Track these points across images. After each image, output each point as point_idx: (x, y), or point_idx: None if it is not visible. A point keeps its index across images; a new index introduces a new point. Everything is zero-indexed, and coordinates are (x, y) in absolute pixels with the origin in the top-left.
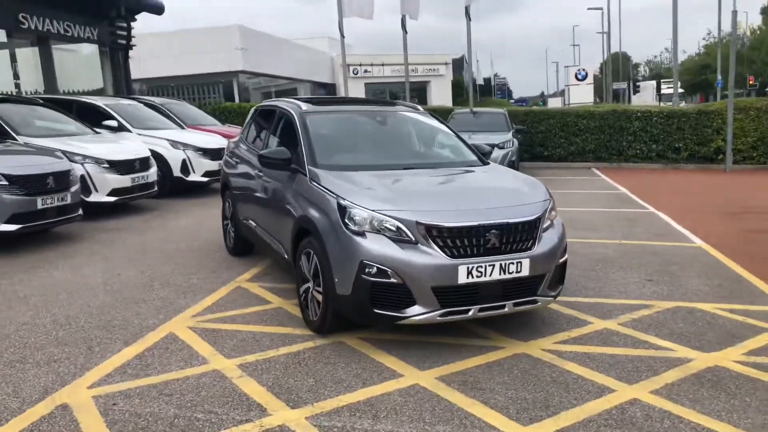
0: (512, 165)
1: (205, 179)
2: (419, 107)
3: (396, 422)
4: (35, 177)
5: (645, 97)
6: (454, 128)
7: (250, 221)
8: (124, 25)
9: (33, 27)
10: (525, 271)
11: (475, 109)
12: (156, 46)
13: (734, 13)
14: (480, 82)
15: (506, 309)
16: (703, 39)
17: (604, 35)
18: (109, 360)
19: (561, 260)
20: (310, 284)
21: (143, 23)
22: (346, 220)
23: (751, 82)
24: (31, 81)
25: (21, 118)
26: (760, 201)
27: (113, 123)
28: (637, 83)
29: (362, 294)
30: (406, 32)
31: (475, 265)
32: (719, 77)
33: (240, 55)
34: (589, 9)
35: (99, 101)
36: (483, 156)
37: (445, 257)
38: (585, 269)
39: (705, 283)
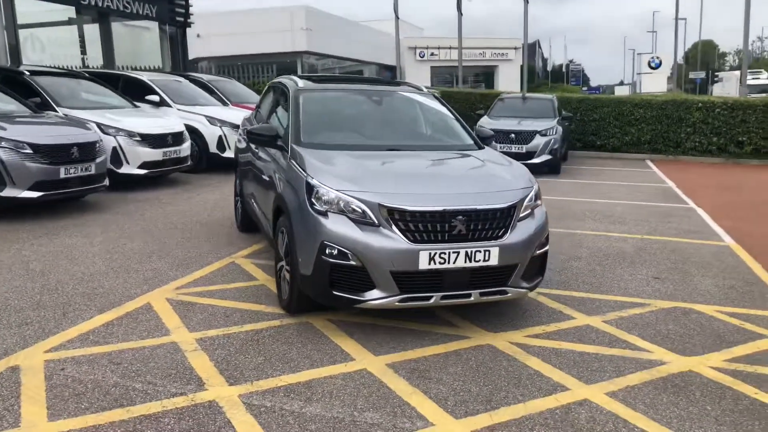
0: (555, 153)
1: None
2: (423, 88)
3: (326, 406)
4: (59, 147)
5: (728, 88)
6: (498, 113)
7: (251, 198)
8: (183, 2)
9: (94, 3)
10: (494, 261)
11: (525, 95)
12: (223, 25)
13: None
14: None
15: (472, 298)
16: None
17: (680, 21)
18: (78, 326)
19: (539, 251)
20: (283, 263)
21: (212, 2)
22: (312, 199)
23: None
24: (98, 56)
25: (64, 90)
26: None
27: (155, 98)
28: (716, 73)
29: (322, 275)
30: (461, 14)
31: (438, 252)
32: None
33: (304, 36)
34: None
35: (144, 76)
36: (483, 140)
37: (406, 242)
38: (592, 263)
39: (717, 284)
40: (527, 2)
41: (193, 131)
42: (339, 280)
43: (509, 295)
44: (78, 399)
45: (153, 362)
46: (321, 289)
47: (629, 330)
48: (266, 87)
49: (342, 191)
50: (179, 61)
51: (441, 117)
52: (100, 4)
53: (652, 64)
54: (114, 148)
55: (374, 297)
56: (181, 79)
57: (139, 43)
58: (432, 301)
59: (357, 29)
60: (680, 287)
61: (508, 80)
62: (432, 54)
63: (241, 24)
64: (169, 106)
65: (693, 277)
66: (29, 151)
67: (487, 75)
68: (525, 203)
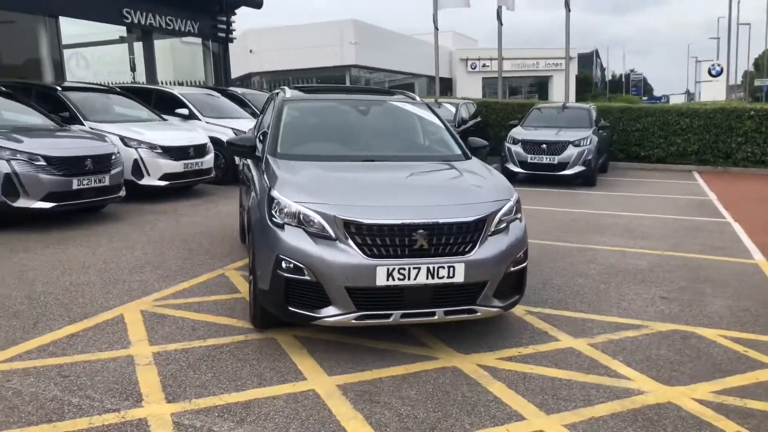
0: (588, 164)
1: None
2: (417, 98)
3: (256, 429)
4: (72, 159)
5: None
6: (531, 123)
7: (245, 209)
8: (224, 18)
9: (136, 21)
10: (459, 277)
11: (566, 105)
12: (275, 40)
13: None
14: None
15: (436, 317)
16: None
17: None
18: (42, 337)
19: (514, 268)
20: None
21: (263, 18)
22: (273, 212)
23: None
24: (152, 72)
25: (92, 105)
26: None
27: (184, 111)
28: None
29: (278, 290)
30: (501, 24)
31: (397, 267)
32: None
33: (353, 50)
34: None
35: (175, 90)
36: (474, 150)
37: (362, 256)
38: (597, 281)
39: (729, 305)
40: (569, 10)
41: (220, 143)
42: (295, 296)
43: (478, 314)
44: (9, 412)
45: (100, 376)
46: (278, 304)
47: (614, 354)
48: (267, 98)
49: (301, 203)
50: (221, 75)
51: (430, 127)
52: (143, 22)
53: (713, 72)
54: (135, 160)
55: (330, 314)
56: (214, 92)
57: (186, 58)
58: (391, 319)
59: (406, 42)
60: (687, 308)
61: (562, 90)
62: (484, 65)
63: (291, 39)
64: (198, 119)
65: (705, 298)
66: (43, 163)
67: (540, 85)
68: (498, 217)
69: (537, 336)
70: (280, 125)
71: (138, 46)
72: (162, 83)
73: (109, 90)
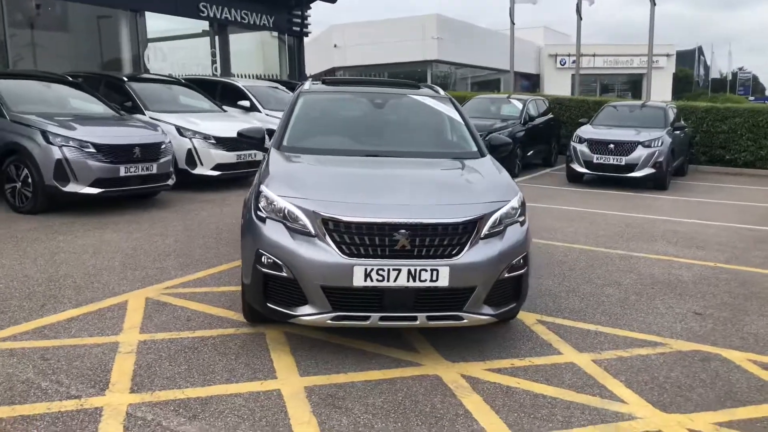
0: (659, 167)
1: None
2: (441, 92)
3: (205, 427)
4: (121, 147)
5: None
6: (601, 121)
7: None
8: (300, 12)
9: (212, 15)
10: (443, 281)
11: (645, 103)
12: (359, 35)
13: None
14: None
15: (417, 322)
16: None
17: None
18: (43, 318)
19: (510, 274)
20: None
21: (351, 13)
22: (259, 205)
23: None
24: (226, 65)
25: (155, 95)
26: None
27: (246, 103)
28: None
29: (257, 285)
30: (581, 18)
31: (376, 268)
32: None
33: (435, 44)
34: None
35: (240, 83)
36: (494, 148)
37: (339, 255)
38: (629, 292)
39: None
40: (654, 4)
41: None
42: (273, 292)
43: (465, 321)
44: None
45: (79, 362)
46: (257, 299)
47: (617, 374)
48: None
49: (285, 198)
50: (296, 69)
51: (448, 122)
52: (218, 16)
53: None
54: (189, 150)
55: (306, 313)
56: (278, 86)
57: (258, 51)
58: (369, 321)
59: (491, 37)
60: (721, 327)
61: (658, 89)
62: (574, 61)
63: (375, 34)
64: (259, 111)
65: (745, 316)
66: (92, 150)
67: (634, 83)
68: (493, 219)
69: (538, 347)
70: (290, 118)
71: (215, 40)
72: (236, 76)
73: (173, 81)
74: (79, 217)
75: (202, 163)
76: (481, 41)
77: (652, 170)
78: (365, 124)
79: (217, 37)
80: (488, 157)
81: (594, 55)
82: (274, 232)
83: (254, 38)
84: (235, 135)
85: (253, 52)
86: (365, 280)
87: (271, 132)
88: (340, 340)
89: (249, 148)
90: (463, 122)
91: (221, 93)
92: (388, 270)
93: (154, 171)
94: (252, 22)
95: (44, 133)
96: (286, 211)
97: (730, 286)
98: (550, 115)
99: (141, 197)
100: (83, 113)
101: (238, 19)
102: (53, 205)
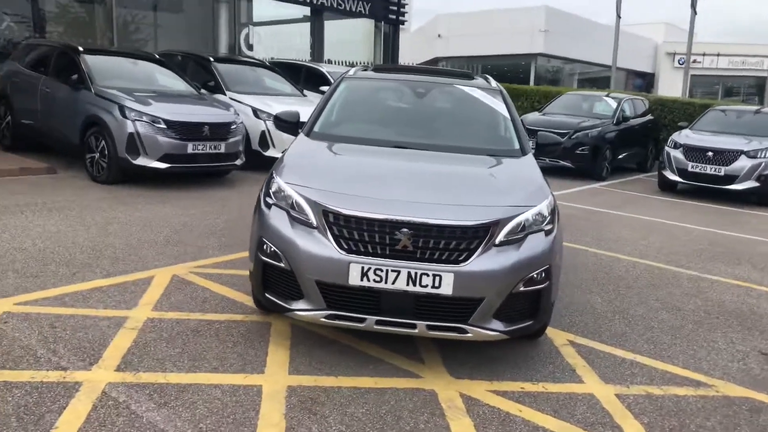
0: (765, 180)
1: None
2: (493, 84)
3: (171, 416)
4: (190, 124)
5: None
6: (703, 126)
7: None
8: (396, 0)
9: (308, 0)
10: (446, 289)
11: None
12: (463, 26)
13: None
14: None
15: (417, 330)
16: None
17: None
18: (69, 286)
19: (526, 288)
20: None
21: (459, 3)
22: (269, 191)
23: None
24: (326, 51)
25: (237, 76)
26: None
27: (326, 88)
28: None
29: (258, 274)
30: (695, 12)
31: (374, 267)
32: None
33: (542, 37)
34: None
35: (323, 68)
36: (540, 147)
37: (337, 250)
38: (688, 319)
39: None
40: (695, 13)
41: None
42: (272, 283)
43: (470, 335)
44: None
45: (83, 333)
46: (258, 288)
47: (639, 414)
48: None
49: (292, 185)
50: (389, 57)
51: (494, 117)
52: (316, 1)
53: None
54: (262, 132)
55: (301, 308)
56: None
57: (352, 38)
58: (364, 324)
59: (604, 31)
60: None
61: None
62: (694, 61)
63: (481, 25)
64: None
65: None
66: (163, 126)
67: (759, 87)
68: (512, 224)
69: (559, 372)
70: (326, 104)
71: (308, 26)
72: (328, 61)
73: (258, 64)
74: (146, 191)
75: (274, 146)
76: (590, 36)
77: (756, 184)
78: (402, 114)
79: (311, 23)
80: (529, 156)
81: (718, 55)
82: (277, 220)
83: (349, 25)
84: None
85: (347, 38)
86: (362, 280)
87: None
88: (348, 340)
89: None
90: (510, 117)
91: (305, 77)
92: (387, 271)
93: (222, 150)
94: (348, 9)
95: (121, 108)
96: (291, 200)
97: None
98: (650, 117)
99: (210, 175)
100: (163, 90)
101: (335, 5)
102: (126, 177)
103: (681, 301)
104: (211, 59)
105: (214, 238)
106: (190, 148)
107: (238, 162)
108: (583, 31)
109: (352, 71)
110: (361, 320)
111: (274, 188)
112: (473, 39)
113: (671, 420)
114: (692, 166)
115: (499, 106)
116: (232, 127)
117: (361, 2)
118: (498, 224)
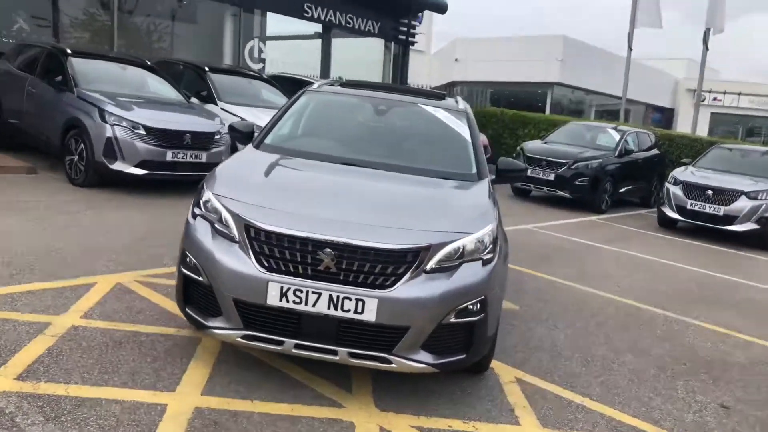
0: (765, 223)
1: None
2: (460, 105)
3: (57, 431)
4: (171, 132)
5: None
6: (705, 164)
7: None
8: (406, 21)
9: (316, 16)
10: (369, 315)
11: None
12: (481, 51)
13: None
14: None
15: (338, 357)
16: None
17: None
18: (2, 288)
19: (458, 320)
20: None
21: (473, 30)
22: (199, 201)
23: None
24: (335, 69)
25: (231, 87)
26: None
27: None
28: None
29: (180, 286)
30: (707, 48)
31: (293, 288)
32: None
33: (558, 66)
34: None
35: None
36: (502, 173)
37: (256, 267)
38: (651, 365)
39: None
40: (707, 49)
41: None
42: (193, 297)
43: (394, 366)
44: None
45: (6, 336)
46: (180, 302)
47: None
48: None
49: (219, 196)
50: (398, 78)
51: (454, 139)
52: (323, 18)
53: None
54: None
55: (217, 326)
56: None
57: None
58: (282, 347)
59: (622, 64)
60: (747, 428)
61: None
62: (714, 99)
63: (498, 51)
64: None
65: None
66: (142, 132)
67: None
68: (446, 251)
69: (495, 411)
70: (282, 116)
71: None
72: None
73: (254, 76)
74: (121, 195)
75: None
76: (609, 68)
77: (756, 226)
78: (357, 130)
79: (321, 40)
80: (484, 181)
81: (740, 94)
82: (200, 232)
83: (359, 44)
84: None
85: (356, 57)
86: (281, 300)
87: None
88: (278, 363)
89: None
90: (469, 140)
91: None
92: (307, 292)
93: (204, 159)
94: (357, 27)
95: (101, 111)
96: (219, 212)
97: None
98: (655, 151)
99: (192, 184)
100: (150, 97)
101: (343, 23)
102: (104, 182)
103: (650, 344)
104: (207, 69)
105: (173, 248)
106: (169, 155)
107: None
108: (601, 63)
109: (315, 84)
110: (279, 343)
111: (204, 198)
112: (490, 65)
113: None
114: (691, 204)
115: (461, 128)
116: (216, 137)
117: (371, 21)
118: (429, 249)
